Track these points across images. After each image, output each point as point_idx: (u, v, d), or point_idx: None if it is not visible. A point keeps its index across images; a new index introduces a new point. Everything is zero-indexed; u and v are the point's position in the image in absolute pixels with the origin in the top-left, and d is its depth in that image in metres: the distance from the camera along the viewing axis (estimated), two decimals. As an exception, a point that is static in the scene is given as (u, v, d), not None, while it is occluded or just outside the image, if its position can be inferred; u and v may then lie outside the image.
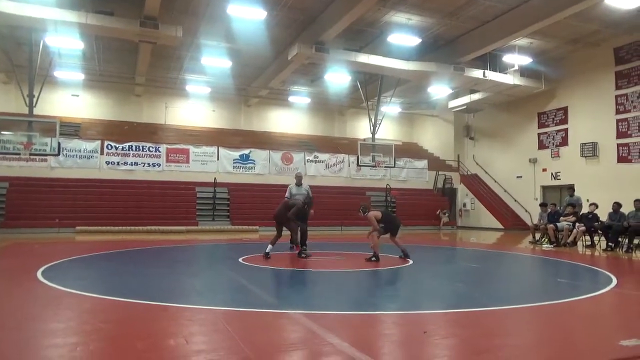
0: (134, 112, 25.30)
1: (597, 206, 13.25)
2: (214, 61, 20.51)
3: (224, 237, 16.31)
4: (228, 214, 20.75)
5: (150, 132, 23.73)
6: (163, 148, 21.08)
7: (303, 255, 9.22)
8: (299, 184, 11.94)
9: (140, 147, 20.71)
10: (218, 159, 21.94)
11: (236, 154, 22.35)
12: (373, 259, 8.75)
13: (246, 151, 22.59)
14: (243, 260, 8.84)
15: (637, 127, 18.81)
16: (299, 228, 9.82)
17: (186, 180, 20.98)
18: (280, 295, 5.72)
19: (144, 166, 20.63)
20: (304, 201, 9.49)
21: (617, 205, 12.55)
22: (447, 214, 23.97)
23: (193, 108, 26.55)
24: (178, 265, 8.60)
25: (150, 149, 20.87)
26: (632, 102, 18.99)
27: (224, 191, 21.24)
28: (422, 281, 7.29)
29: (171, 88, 25.01)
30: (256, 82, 24.78)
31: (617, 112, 19.42)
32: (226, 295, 5.80)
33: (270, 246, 9.12)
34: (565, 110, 21.93)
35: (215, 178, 21.11)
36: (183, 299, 5.42)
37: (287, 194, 12.06)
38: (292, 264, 8.77)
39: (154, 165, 20.83)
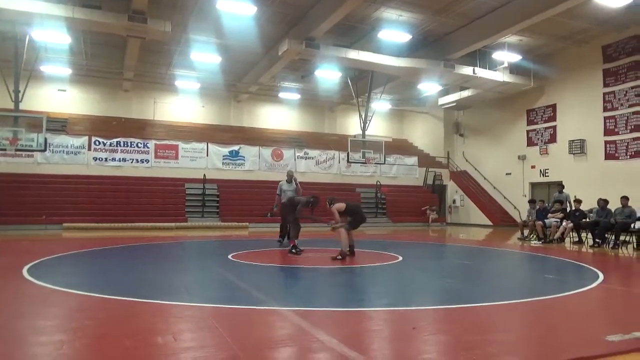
0: (122, 108, 25.09)
1: (580, 202, 13.39)
2: (203, 56, 20.38)
3: (214, 234, 16.26)
4: (217, 210, 20.67)
5: (138, 128, 23.55)
6: (152, 144, 20.94)
7: (294, 251, 9.22)
8: (289, 180, 12.13)
9: (129, 143, 20.55)
10: (207, 155, 21.85)
11: (226, 150, 22.27)
12: (339, 257, 8.34)
13: (236, 147, 22.52)
14: (232, 257, 8.82)
15: (624, 125, 19.03)
16: (292, 224, 9.83)
17: (175, 176, 20.87)
18: (269, 292, 5.71)
19: (132, 162, 20.50)
20: (308, 199, 9.47)
21: (603, 202, 12.71)
22: (434, 210, 24.09)
23: (182, 104, 26.39)
24: (167, 262, 8.56)
25: (139, 145, 20.72)
26: (619, 99, 19.20)
27: (213, 187, 21.16)
28: (411, 277, 7.33)
29: (160, 83, 24.83)
30: (246, 78, 24.67)
31: (605, 109, 19.62)
32: (215, 292, 5.79)
33: (286, 240, 9.19)
34: (553, 107, 22.12)
35: (204, 174, 21.02)
36: (171, 296, 5.39)
37: (277, 191, 12.21)
38: (281, 260, 8.77)
39: (143, 162, 20.69)
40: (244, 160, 22.55)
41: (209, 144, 22.04)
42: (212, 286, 6.28)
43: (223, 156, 22.18)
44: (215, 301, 5.10)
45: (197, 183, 20.85)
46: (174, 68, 23.42)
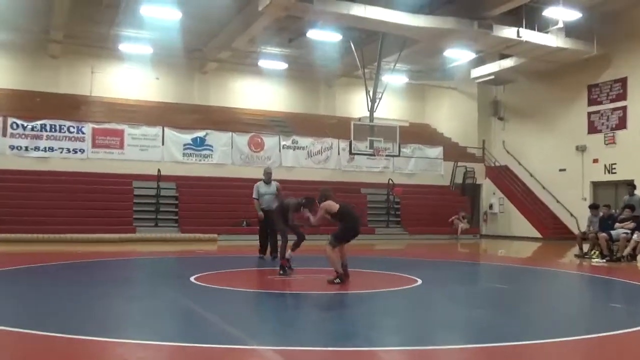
0: (48, 80, 24.92)
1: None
2: (157, 11, 20.26)
3: (171, 249, 16.21)
4: (176, 217, 20.61)
5: (71, 107, 23.42)
6: (88, 128, 20.84)
7: (281, 272, 9.17)
8: (268, 181, 12.22)
9: (58, 127, 20.45)
10: (163, 144, 21.79)
11: (188, 137, 22.22)
12: (337, 280, 8.31)
13: (201, 133, 22.47)
14: (196, 279, 8.82)
15: None
16: (281, 235, 9.91)
17: (120, 171, 20.79)
18: (245, 327, 5.73)
19: (62, 152, 20.40)
20: (299, 200, 9.42)
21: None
22: (465, 219, 24.21)
23: (129, 75, 26.29)
24: (108, 286, 8.55)
25: (71, 129, 20.61)
26: None
27: (170, 187, 21.09)
28: (432, 307, 7.37)
29: (100, 47, 24.69)
30: (215, 41, 24.58)
31: (691, 85, 19.79)
32: (173, 326, 5.80)
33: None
34: (623, 82, 22.24)
35: (159, 169, 20.96)
36: (115, 331, 5.39)
37: (254, 194, 12.27)
38: (262, 284, 8.79)
39: (76, 151, 20.60)
40: (212, 150, 22.51)
41: (165, 129, 21.97)
42: (169, 318, 6.29)
43: (184, 145, 22.11)
44: (175, 339, 5.10)
45: (149, 181, 20.79)
46: (118, 27, 23.25)
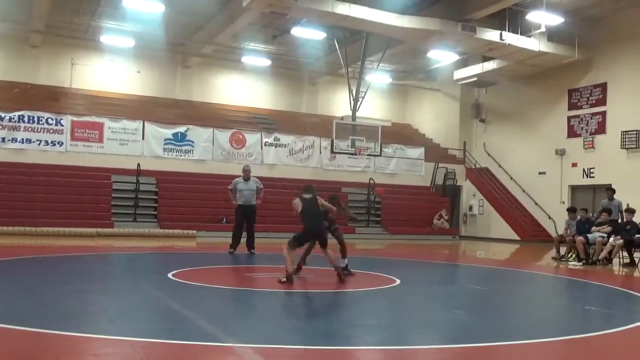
0: (27, 70, 24.64)
1: (633, 212, 13.67)
2: (140, 3, 20.16)
3: (149, 245, 16.14)
4: (155, 212, 20.53)
5: (50, 99, 23.20)
6: (67, 120, 20.64)
7: (283, 280, 8.77)
8: (247, 178, 12.46)
9: (36, 119, 20.23)
10: (143, 138, 21.65)
11: (168, 132, 22.10)
12: (283, 280, 8.10)
13: (182, 129, 22.36)
14: (174, 275, 8.79)
15: (692, 113, 19.51)
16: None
17: (99, 165, 20.64)
18: (222, 324, 5.71)
19: (40, 144, 20.18)
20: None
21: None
22: (446, 219, 24.32)
23: (110, 67, 26.08)
24: (84, 281, 8.48)
25: (50, 121, 20.40)
26: (687, 80, 19.68)
27: (150, 182, 20.98)
28: (410, 307, 7.41)
29: (80, 39, 24.47)
30: (198, 36, 24.47)
31: (669, 92, 20.09)
32: (149, 323, 5.76)
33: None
34: (603, 87, 22.52)
35: (138, 164, 20.85)
36: (89, 326, 5.35)
37: (230, 185, 12.72)
38: (238, 281, 8.77)
39: (55, 144, 20.40)
40: (193, 146, 22.41)
41: (145, 123, 21.82)
42: (145, 314, 6.24)
43: (165, 140, 21.99)
44: (149, 334, 5.06)
45: (128, 175, 20.65)
46: (99, 18, 23.10)
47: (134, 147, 21.48)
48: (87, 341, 4.70)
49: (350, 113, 24.31)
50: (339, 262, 8.73)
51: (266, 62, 27.14)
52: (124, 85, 26.29)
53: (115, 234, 18.42)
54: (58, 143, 20.48)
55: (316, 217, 8.54)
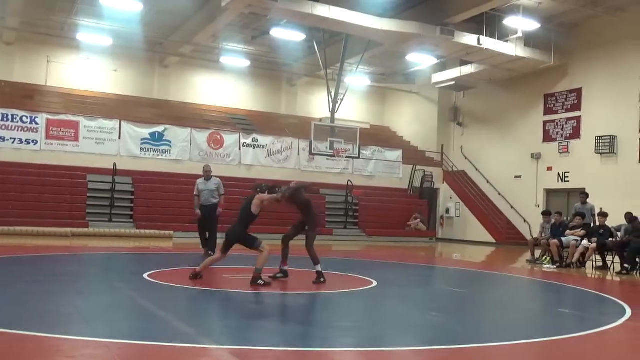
0: (1, 67, 24.31)
1: (606, 216, 13.89)
2: (117, 2, 20.00)
3: (125, 245, 16.02)
4: (131, 213, 20.37)
5: (24, 96, 22.93)
6: (42, 119, 20.40)
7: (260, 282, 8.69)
8: (207, 178, 12.80)
9: (10, 117, 19.96)
10: (120, 138, 21.48)
11: (146, 131, 21.95)
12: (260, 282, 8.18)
13: (159, 128, 22.23)
14: (150, 276, 8.74)
15: (665, 119, 19.85)
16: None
17: (74, 164, 20.46)
18: (198, 325, 5.69)
19: (13, 143, 19.92)
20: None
21: (631, 217, 13.22)
22: (418, 220, 24.44)
23: (86, 66, 25.81)
24: (58, 282, 8.40)
25: (24, 119, 20.15)
26: (660, 86, 20.03)
27: (126, 182, 20.82)
28: (387, 309, 7.45)
29: (56, 36, 24.19)
30: (176, 35, 24.33)
31: (642, 98, 20.42)
32: (124, 324, 5.73)
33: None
34: (578, 92, 22.85)
35: (115, 163, 20.65)
36: (63, 327, 5.30)
37: (195, 191, 12.88)
38: (214, 282, 8.74)
39: (29, 142, 20.15)
40: (171, 146, 22.29)
41: (122, 123, 21.65)
42: (119, 315, 6.20)
43: (142, 140, 21.84)
44: (124, 336, 5.04)
45: (104, 175, 20.45)
46: (76, 15, 22.87)
47: (110, 147, 21.29)
48: (61, 343, 4.67)
49: (329, 115, 24.36)
50: (260, 265, 8.31)
51: (245, 63, 27.07)
52: (100, 84, 26.05)
53: (90, 234, 18.26)
54: (32, 141, 20.24)
55: (236, 223, 8.47)
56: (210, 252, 12.35)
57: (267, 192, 8.54)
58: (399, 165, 26.60)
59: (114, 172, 20.46)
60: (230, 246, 8.40)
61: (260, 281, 8.11)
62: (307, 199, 9.00)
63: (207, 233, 12.89)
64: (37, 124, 20.33)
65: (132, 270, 10.32)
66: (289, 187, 8.86)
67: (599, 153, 21.61)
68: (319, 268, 8.72)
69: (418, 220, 24.46)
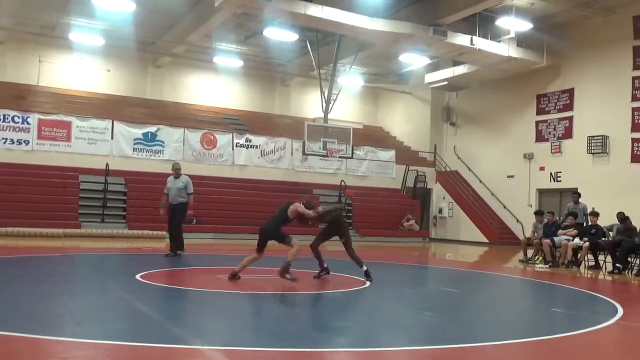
0: (-7, 67, 24.27)
1: (597, 216, 13.94)
2: (110, 2, 19.94)
3: (117, 246, 15.98)
4: (124, 213, 20.34)
5: (16, 96, 22.81)
6: (34, 119, 20.34)
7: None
8: (176, 176, 12.54)
9: (1, 117, 19.91)
10: (112, 138, 21.44)
11: (138, 131, 21.92)
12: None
13: (152, 128, 22.19)
14: (142, 277, 8.70)
15: (656, 119, 19.96)
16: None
17: (66, 164, 20.42)
18: (190, 325, 5.68)
19: (5, 143, 19.87)
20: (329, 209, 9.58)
21: (623, 217, 13.27)
22: (414, 220, 24.49)
23: (79, 65, 25.74)
24: (50, 282, 8.35)
25: (16, 119, 20.09)
26: (651, 86, 20.12)
27: (119, 182, 20.78)
28: (380, 309, 7.45)
29: (48, 36, 24.10)
30: (169, 35, 24.28)
31: (634, 98, 20.52)
32: (116, 325, 5.70)
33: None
34: (570, 93, 22.94)
35: (107, 163, 20.60)
36: (54, 328, 5.27)
37: (165, 189, 12.62)
38: (207, 283, 8.72)
39: (21, 143, 20.10)
40: (163, 146, 22.25)
41: (114, 123, 21.61)
42: (111, 316, 6.17)
43: (134, 140, 21.80)
44: (115, 337, 5.00)
45: (96, 175, 20.41)
46: (68, 15, 22.78)
47: (103, 147, 21.25)
48: (53, 344, 4.64)
49: (322, 115, 24.36)
50: (291, 257, 8.51)
51: (238, 63, 27.04)
52: (93, 84, 25.99)
53: (82, 234, 18.21)
54: (24, 142, 20.19)
55: (271, 219, 8.83)
56: (178, 252, 12.19)
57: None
58: (392, 165, 26.64)
59: (107, 172, 20.41)
60: (265, 243, 8.62)
61: (287, 275, 8.36)
62: (336, 217, 9.51)
63: (172, 233, 12.57)
64: (29, 124, 20.27)
65: (124, 271, 10.28)
66: (324, 210, 9.45)
67: (591, 153, 21.70)
68: (364, 268, 9.19)
69: (412, 221, 24.50)
